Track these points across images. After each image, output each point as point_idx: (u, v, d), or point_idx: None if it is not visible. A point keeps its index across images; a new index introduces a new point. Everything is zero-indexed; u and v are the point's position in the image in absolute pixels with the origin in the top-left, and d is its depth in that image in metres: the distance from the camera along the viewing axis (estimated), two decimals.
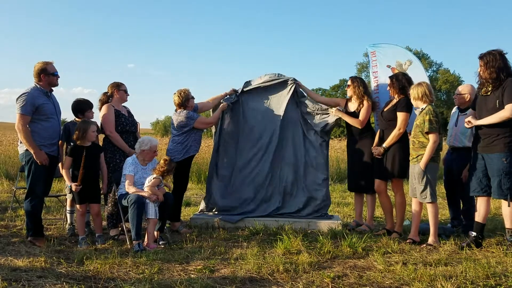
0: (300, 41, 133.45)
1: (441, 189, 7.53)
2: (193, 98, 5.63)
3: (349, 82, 5.73)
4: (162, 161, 4.92)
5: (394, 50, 6.44)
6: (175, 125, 5.52)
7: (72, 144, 5.07)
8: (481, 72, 4.57)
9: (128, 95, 5.50)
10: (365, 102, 5.53)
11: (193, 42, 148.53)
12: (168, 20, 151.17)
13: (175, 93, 5.59)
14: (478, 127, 4.62)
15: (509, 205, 4.43)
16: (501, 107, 4.39)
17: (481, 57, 4.57)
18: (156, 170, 4.88)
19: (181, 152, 5.46)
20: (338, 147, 15.40)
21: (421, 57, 51.08)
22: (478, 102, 4.71)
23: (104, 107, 5.25)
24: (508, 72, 4.45)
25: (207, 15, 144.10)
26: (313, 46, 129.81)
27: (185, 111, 5.51)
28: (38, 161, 4.69)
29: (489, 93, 4.53)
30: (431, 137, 4.72)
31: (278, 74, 5.92)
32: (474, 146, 4.70)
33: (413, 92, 4.87)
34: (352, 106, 5.69)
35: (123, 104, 5.49)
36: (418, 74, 6.04)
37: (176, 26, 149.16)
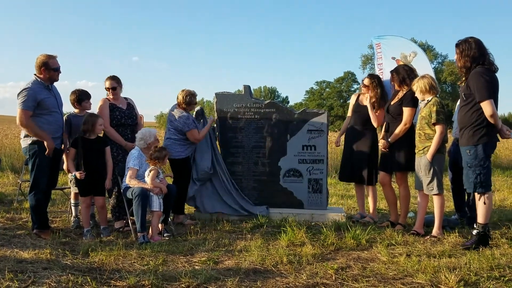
0: (304, 33, 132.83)
1: (445, 181, 7.51)
2: (195, 104, 5.59)
3: (366, 82, 5.65)
4: (152, 148, 4.89)
5: (399, 42, 6.41)
6: (174, 124, 5.50)
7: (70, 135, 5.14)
8: (457, 60, 4.51)
9: (111, 91, 5.33)
10: (380, 111, 5.52)
11: (198, 35, 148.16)
12: (173, 12, 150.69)
13: (182, 91, 5.54)
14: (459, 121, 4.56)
15: (479, 199, 4.35)
16: (467, 100, 4.34)
17: (457, 44, 4.48)
18: (149, 159, 4.87)
19: (178, 151, 5.46)
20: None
21: (426, 49, 50.84)
22: (459, 94, 4.68)
23: (99, 101, 5.31)
24: (482, 61, 4.32)
25: (212, 7, 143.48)
26: (318, 38, 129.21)
27: (185, 114, 5.47)
28: (48, 149, 4.69)
29: (463, 84, 4.48)
30: (438, 128, 4.69)
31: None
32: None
33: (419, 85, 4.80)
34: (366, 100, 5.66)
35: (124, 96, 5.52)
36: (423, 66, 6.00)
37: (181, 19, 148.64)
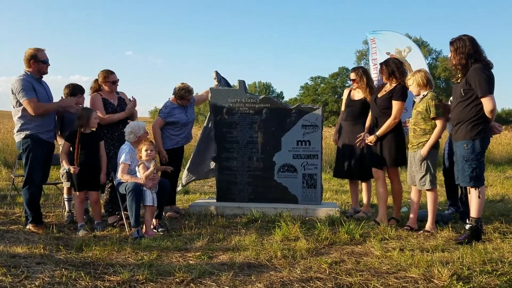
0: (299, 28, 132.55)
1: (439, 176, 7.55)
2: (187, 100, 5.60)
3: (352, 76, 5.69)
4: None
5: (394, 37, 6.43)
6: None
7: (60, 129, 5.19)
8: (451, 58, 4.52)
9: (117, 84, 5.39)
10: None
11: (192, 30, 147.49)
12: (167, 7, 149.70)
13: (182, 83, 5.62)
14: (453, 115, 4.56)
15: (473, 193, 4.37)
16: (466, 95, 4.33)
17: (452, 42, 4.49)
18: (139, 155, 4.85)
19: (164, 142, 5.61)
20: None
21: (421, 44, 50.88)
22: (453, 90, 4.66)
23: (92, 97, 5.29)
24: (477, 58, 4.34)
25: (207, 2, 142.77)
26: (312, 34, 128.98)
27: (168, 103, 5.60)
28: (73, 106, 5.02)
29: (459, 80, 4.48)
30: (439, 122, 4.68)
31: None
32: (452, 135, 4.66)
33: (416, 78, 4.75)
34: (357, 95, 5.70)
35: (117, 90, 5.50)
36: (417, 62, 6.04)
37: (176, 12, 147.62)
